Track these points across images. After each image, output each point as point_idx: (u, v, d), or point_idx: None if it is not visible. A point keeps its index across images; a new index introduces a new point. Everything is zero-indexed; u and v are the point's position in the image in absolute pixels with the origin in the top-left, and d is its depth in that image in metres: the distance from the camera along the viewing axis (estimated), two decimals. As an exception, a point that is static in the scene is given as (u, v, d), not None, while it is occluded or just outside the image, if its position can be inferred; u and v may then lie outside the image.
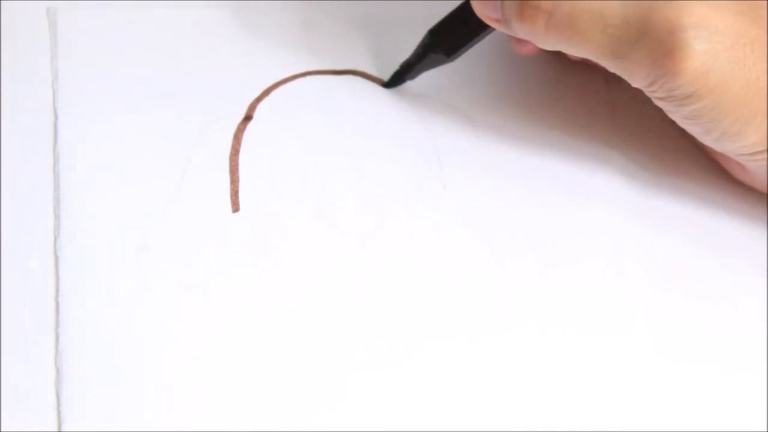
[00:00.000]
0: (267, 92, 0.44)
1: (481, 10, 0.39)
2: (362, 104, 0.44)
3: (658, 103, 0.37)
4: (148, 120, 0.42)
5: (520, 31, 0.37)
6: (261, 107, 0.43)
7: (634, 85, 0.36)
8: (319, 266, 0.40)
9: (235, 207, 0.41)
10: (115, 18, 0.44)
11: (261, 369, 0.38)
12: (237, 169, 0.42)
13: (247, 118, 0.43)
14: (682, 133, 0.39)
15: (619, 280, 0.41)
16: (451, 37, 0.42)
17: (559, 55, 0.44)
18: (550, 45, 0.37)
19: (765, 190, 0.41)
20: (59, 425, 0.36)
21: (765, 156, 0.37)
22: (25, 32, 0.44)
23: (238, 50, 0.45)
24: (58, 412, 0.36)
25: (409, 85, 0.44)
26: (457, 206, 0.42)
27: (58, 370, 0.37)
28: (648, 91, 0.36)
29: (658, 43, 0.34)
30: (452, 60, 0.42)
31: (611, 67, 0.36)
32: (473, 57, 0.44)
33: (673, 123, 0.39)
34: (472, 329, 0.39)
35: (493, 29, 0.40)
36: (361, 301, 0.39)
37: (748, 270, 0.41)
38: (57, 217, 0.39)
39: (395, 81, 0.44)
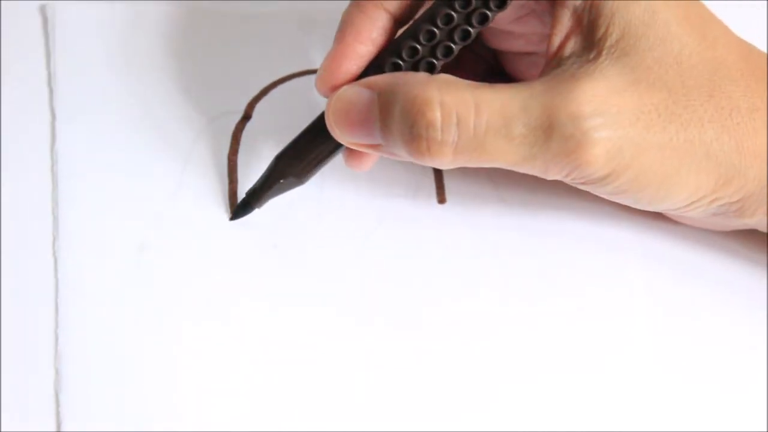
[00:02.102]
0: (266, 91, 0.44)
1: (347, 138, 0.36)
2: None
3: (581, 187, 0.36)
4: (147, 119, 0.42)
5: (415, 160, 0.35)
6: (260, 106, 0.43)
7: (549, 178, 0.36)
8: (317, 266, 0.40)
9: (234, 206, 0.41)
10: (112, 17, 0.44)
11: (261, 368, 0.38)
12: (236, 169, 0.42)
13: (246, 117, 0.43)
14: None
15: (618, 285, 0.41)
16: (303, 161, 0.38)
17: None
18: (452, 167, 0.35)
19: (716, 228, 0.41)
20: (59, 425, 0.36)
21: (704, 203, 0.36)
22: (22, 31, 0.44)
23: (236, 49, 0.45)
24: (58, 413, 0.36)
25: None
26: (456, 206, 0.42)
27: (57, 371, 0.37)
28: (566, 180, 0.36)
29: (564, 139, 0.33)
30: (304, 182, 0.39)
31: (522, 169, 0.35)
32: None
33: None
34: (472, 330, 0.39)
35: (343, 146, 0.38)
36: (359, 301, 0.39)
37: (748, 271, 0.41)
38: (56, 218, 0.39)
39: (240, 212, 0.40)
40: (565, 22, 0.35)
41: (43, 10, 0.44)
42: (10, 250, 0.39)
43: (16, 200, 0.40)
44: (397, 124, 0.35)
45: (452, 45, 0.36)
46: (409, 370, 0.38)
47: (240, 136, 0.42)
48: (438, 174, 0.43)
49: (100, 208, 0.40)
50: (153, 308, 0.38)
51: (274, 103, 0.43)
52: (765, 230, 0.38)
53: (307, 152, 0.38)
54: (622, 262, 0.41)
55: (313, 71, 0.44)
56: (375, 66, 0.37)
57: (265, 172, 0.39)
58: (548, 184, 0.37)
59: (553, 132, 0.33)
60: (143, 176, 0.41)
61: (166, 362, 0.37)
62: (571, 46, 0.35)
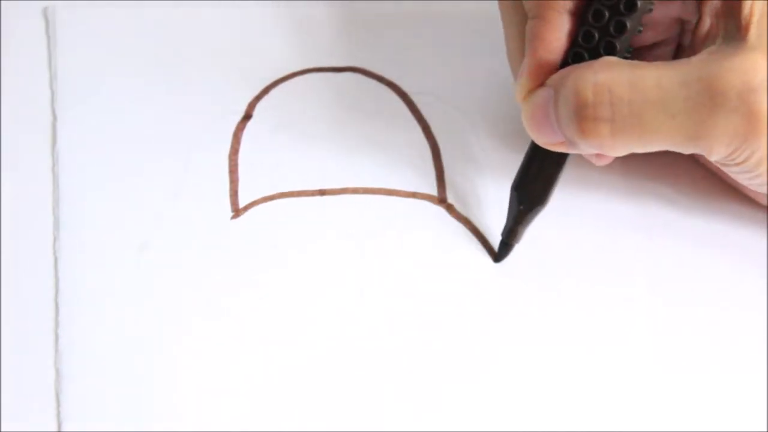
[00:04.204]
0: (266, 90, 0.44)
1: (541, 138, 0.37)
2: (363, 102, 0.44)
3: (732, 171, 0.36)
4: (148, 119, 0.42)
5: (587, 147, 0.35)
6: (260, 106, 0.43)
7: (712, 159, 0.35)
8: (317, 266, 0.40)
9: (235, 206, 0.41)
10: (114, 18, 0.45)
11: (261, 368, 0.37)
12: (236, 169, 0.42)
13: (247, 116, 0.43)
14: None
15: (620, 283, 0.40)
16: (535, 184, 0.39)
17: None
18: (621, 151, 0.35)
19: None
20: (59, 425, 0.36)
21: None
22: (24, 32, 0.44)
23: (237, 49, 0.45)
24: (58, 412, 0.36)
25: (409, 84, 0.44)
26: (457, 205, 0.42)
27: (57, 371, 0.37)
28: (724, 162, 0.35)
29: (731, 113, 0.33)
30: (546, 204, 0.39)
31: (687, 150, 0.35)
32: (472, 57, 0.44)
33: None
34: (471, 329, 0.39)
35: (568, 156, 0.38)
36: (359, 301, 0.39)
37: (748, 270, 0.41)
38: (56, 218, 0.40)
39: (503, 252, 0.40)
40: (714, 2, 0.36)
41: (44, 12, 0.44)
42: (10, 250, 0.39)
43: (16, 200, 0.40)
44: (562, 111, 0.35)
45: (623, 20, 0.36)
46: (409, 370, 0.38)
47: (240, 136, 0.43)
48: (439, 174, 0.43)
49: (100, 208, 0.40)
50: (153, 308, 0.38)
51: (274, 103, 0.44)
52: None
53: (536, 172, 0.39)
54: (623, 262, 0.41)
55: (314, 70, 0.44)
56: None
57: (509, 208, 0.40)
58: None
59: (717, 105, 0.33)
60: (144, 176, 0.41)
61: (166, 362, 0.37)
62: (721, 26, 0.35)
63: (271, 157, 0.42)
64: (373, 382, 0.38)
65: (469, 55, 0.43)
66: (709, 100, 0.33)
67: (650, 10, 0.36)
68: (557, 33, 0.37)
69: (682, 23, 0.39)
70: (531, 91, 0.37)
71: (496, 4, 0.40)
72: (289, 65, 0.44)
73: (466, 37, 0.43)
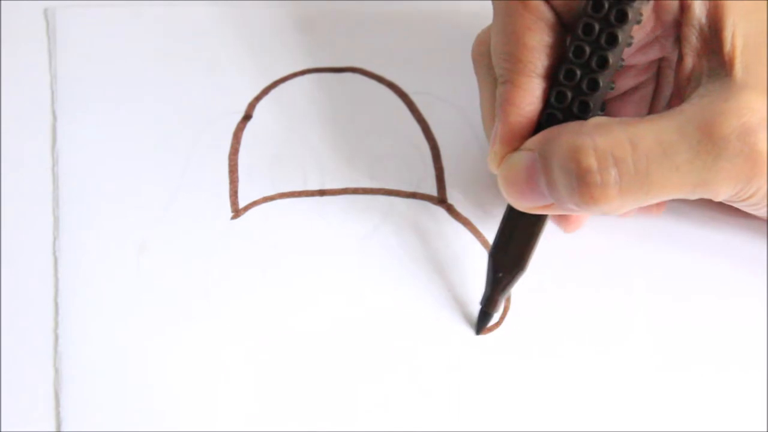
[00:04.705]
0: (266, 91, 0.44)
1: (523, 204, 0.36)
2: (362, 102, 0.44)
3: (739, 205, 0.36)
4: (147, 120, 0.42)
5: (593, 211, 0.35)
6: (260, 106, 0.43)
7: (718, 200, 0.35)
8: (317, 266, 0.40)
9: (235, 206, 0.41)
10: (114, 18, 0.44)
11: (261, 368, 0.38)
12: (236, 169, 0.42)
13: (247, 117, 0.43)
14: None
15: (619, 284, 0.41)
16: (514, 250, 0.38)
17: None
18: (626, 208, 0.34)
19: None
20: (59, 425, 0.36)
21: None
22: (24, 33, 0.44)
23: (236, 49, 0.45)
24: (58, 413, 0.36)
25: (409, 84, 0.44)
26: (457, 205, 0.42)
27: (57, 371, 0.37)
28: (732, 199, 0.35)
29: (735, 157, 0.33)
30: (525, 268, 0.38)
31: (694, 196, 0.34)
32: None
33: None
34: (471, 327, 0.39)
35: (547, 218, 0.37)
36: (359, 301, 0.39)
37: (748, 271, 0.41)
38: (56, 219, 0.40)
39: (483, 322, 0.39)
40: (693, 41, 0.35)
41: (45, 13, 0.44)
42: (10, 250, 0.39)
43: (16, 200, 0.40)
44: (559, 179, 0.34)
45: (594, 76, 0.35)
46: (409, 371, 0.38)
47: (240, 136, 0.43)
48: (439, 174, 0.43)
49: (100, 208, 0.40)
50: (153, 308, 0.38)
51: (274, 103, 0.44)
52: None
53: (514, 237, 0.38)
54: (622, 263, 0.41)
55: (314, 70, 0.44)
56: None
57: (486, 275, 0.39)
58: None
59: (720, 151, 0.33)
60: (143, 176, 0.41)
61: (166, 362, 0.37)
62: (705, 64, 0.35)
63: (271, 158, 0.42)
64: (373, 382, 0.38)
65: (468, 55, 0.43)
66: (712, 147, 0.33)
67: (621, 67, 0.35)
68: (529, 97, 0.36)
69: (659, 62, 0.39)
70: (505, 157, 0.36)
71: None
72: (289, 65, 0.44)
73: (467, 38, 0.43)
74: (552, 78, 0.36)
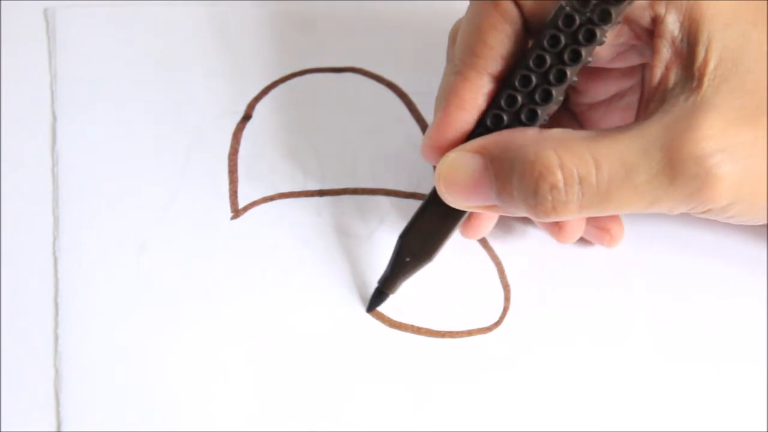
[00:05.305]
0: (266, 91, 0.44)
1: (463, 203, 0.36)
2: (362, 102, 0.44)
3: (698, 216, 0.36)
4: (147, 120, 0.42)
5: (545, 220, 0.35)
6: (260, 106, 0.43)
7: (673, 214, 0.35)
8: (317, 266, 0.40)
9: (235, 207, 0.41)
10: (114, 18, 0.44)
11: (260, 368, 0.38)
12: (236, 169, 0.42)
13: (246, 117, 0.43)
14: None
15: (619, 284, 0.41)
16: (427, 239, 0.38)
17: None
18: (581, 217, 0.36)
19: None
20: (59, 425, 0.36)
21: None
22: (24, 33, 0.44)
23: (236, 49, 0.45)
24: (58, 413, 0.36)
25: (409, 84, 0.44)
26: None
27: (57, 371, 0.37)
28: (687, 212, 0.35)
29: (690, 179, 0.33)
30: (432, 260, 0.38)
31: (647, 211, 0.35)
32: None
33: None
34: (471, 327, 0.39)
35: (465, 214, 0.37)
36: (359, 301, 0.39)
37: (748, 271, 0.41)
38: (56, 219, 0.40)
39: (375, 302, 0.39)
40: (664, 53, 0.35)
41: (45, 13, 0.44)
42: (10, 250, 0.39)
43: (17, 201, 0.40)
44: (517, 189, 0.34)
45: (549, 88, 0.35)
46: (410, 371, 0.38)
47: (240, 136, 0.43)
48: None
49: (100, 208, 0.40)
50: (153, 308, 0.38)
51: (274, 103, 0.44)
52: None
53: (428, 227, 0.38)
54: (622, 263, 0.41)
55: (314, 70, 0.44)
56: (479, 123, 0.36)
57: (392, 256, 0.38)
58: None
59: (677, 174, 0.33)
60: (143, 176, 0.41)
61: (166, 362, 0.37)
62: (673, 77, 0.35)
63: (271, 157, 0.42)
64: (373, 382, 0.38)
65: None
66: (670, 170, 0.33)
67: (575, 81, 0.35)
68: (476, 93, 0.36)
69: (642, 69, 0.38)
70: (443, 151, 0.36)
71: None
72: (289, 65, 0.44)
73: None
74: (503, 81, 0.36)
